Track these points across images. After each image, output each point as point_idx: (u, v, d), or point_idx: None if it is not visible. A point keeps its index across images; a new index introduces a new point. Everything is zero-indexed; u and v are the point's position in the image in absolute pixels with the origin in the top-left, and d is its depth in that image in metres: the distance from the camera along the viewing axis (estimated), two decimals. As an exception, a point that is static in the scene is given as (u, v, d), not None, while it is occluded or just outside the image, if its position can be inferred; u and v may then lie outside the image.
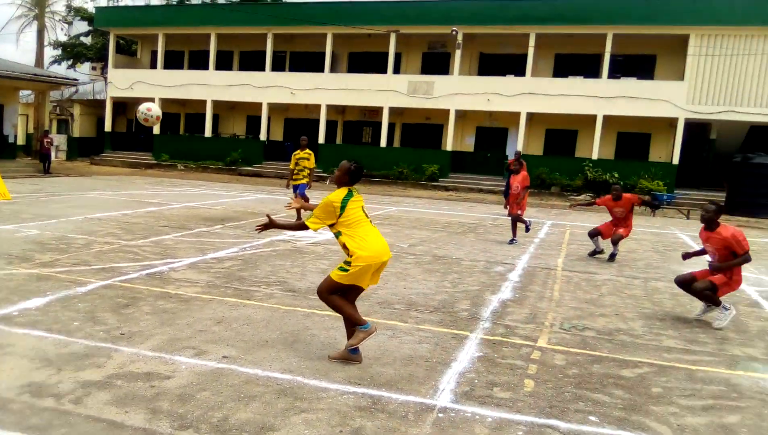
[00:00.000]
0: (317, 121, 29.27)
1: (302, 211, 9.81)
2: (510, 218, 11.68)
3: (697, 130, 25.93)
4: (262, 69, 29.98)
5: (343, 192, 4.82)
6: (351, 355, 4.81)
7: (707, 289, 6.38)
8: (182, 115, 33.91)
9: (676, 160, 24.52)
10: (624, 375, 4.86)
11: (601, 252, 10.30)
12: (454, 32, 25.57)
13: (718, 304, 6.39)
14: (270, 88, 29.38)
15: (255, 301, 6.41)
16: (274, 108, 30.81)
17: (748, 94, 23.31)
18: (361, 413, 3.90)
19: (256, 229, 5.09)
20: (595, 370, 4.92)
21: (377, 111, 28.80)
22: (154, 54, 33.54)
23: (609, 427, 3.92)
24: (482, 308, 6.65)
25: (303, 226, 4.86)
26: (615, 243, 10.09)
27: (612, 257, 10.13)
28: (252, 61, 31.88)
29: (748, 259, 6.42)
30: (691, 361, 5.30)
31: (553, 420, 3.97)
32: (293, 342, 5.19)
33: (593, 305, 7.06)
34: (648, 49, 26.19)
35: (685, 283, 6.71)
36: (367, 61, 30.07)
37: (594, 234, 10.37)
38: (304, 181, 12.92)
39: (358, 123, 30.99)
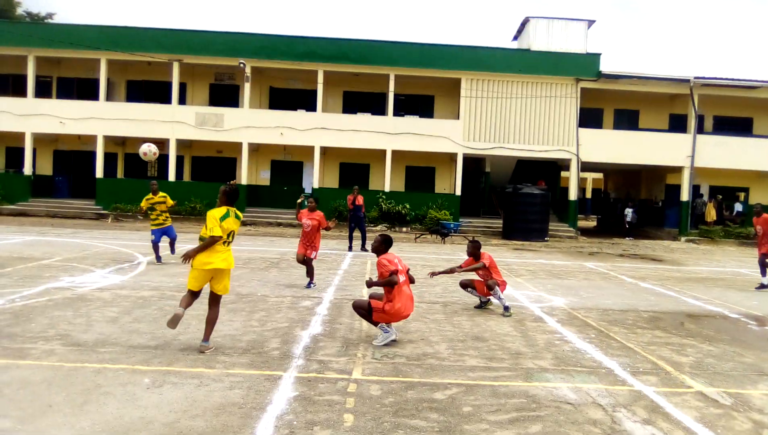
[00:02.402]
0: (93, 154, 26.75)
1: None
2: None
3: (473, 163, 28.79)
4: (24, 94, 26.66)
5: (222, 210, 6.11)
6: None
7: (360, 307, 6.87)
8: None
9: (458, 191, 26.84)
10: (436, 398, 5.02)
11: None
12: (241, 65, 25.31)
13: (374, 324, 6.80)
14: (34, 117, 26.13)
15: (32, 361, 5.51)
16: (40, 138, 27.51)
17: (513, 132, 26.52)
18: (173, 478, 3.48)
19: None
20: (409, 396, 5.02)
21: (163, 143, 27.15)
22: None
23: (429, 452, 3.99)
24: (294, 345, 6.46)
25: (211, 240, 5.98)
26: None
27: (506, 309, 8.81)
28: (10, 86, 28.21)
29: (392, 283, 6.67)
30: (493, 377, 5.68)
31: (377, 453, 3.93)
32: (83, 403, 4.54)
33: (400, 332, 7.24)
34: (427, 90, 28.57)
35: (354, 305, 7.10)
36: (149, 90, 28.40)
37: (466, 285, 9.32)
38: (169, 222, 13.04)
39: (141, 156, 28.96)
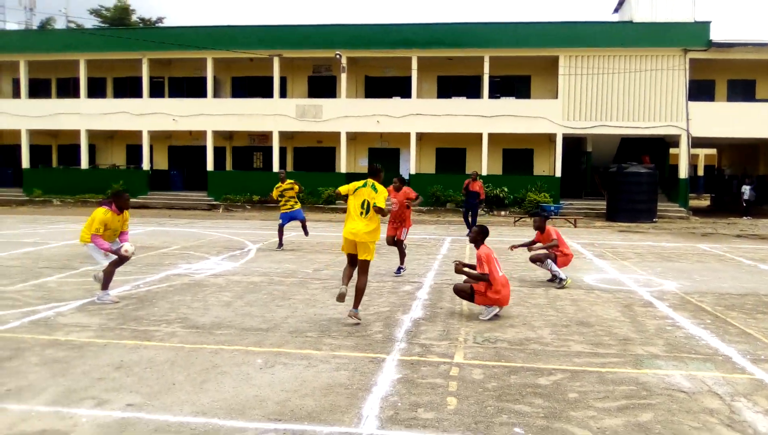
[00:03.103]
0: (204, 148, 28.36)
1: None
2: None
3: (574, 144, 27.81)
4: (139, 95, 28.64)
5: (359, 183, 6.92)
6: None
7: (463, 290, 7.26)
8: (54, 147, 31.68)
9: (558, 173, 26.07)
10: (540, 383, 4.97)
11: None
12: (338, 56, 25.83)
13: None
14: (150, 115, 28.08)
15: (156, 342, 5.99)
16: (155, 136, 29.50)
17: (616, 109, 25.34)
18: (287, 451, 3.70)
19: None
20: (513, 381, 5.00)
21: (267, 136, 28.38)
22: (16, 82, 31.06)
23: (534, 436, 3.97)
24: (396, 329, 6.61)
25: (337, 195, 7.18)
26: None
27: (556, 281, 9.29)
28: (127, 87, 30.40)
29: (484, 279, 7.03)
30: (600, 363, 5.54)
31: (481, 435, 3.96)
32: (203, 382, 4.88)
33: (502, 317, 7.21)
34: (523, 70, 27.84)
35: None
36: (252, 86, 29.66)
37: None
38: (297, 206, 13.63)
39: (247, 148, 30.36)
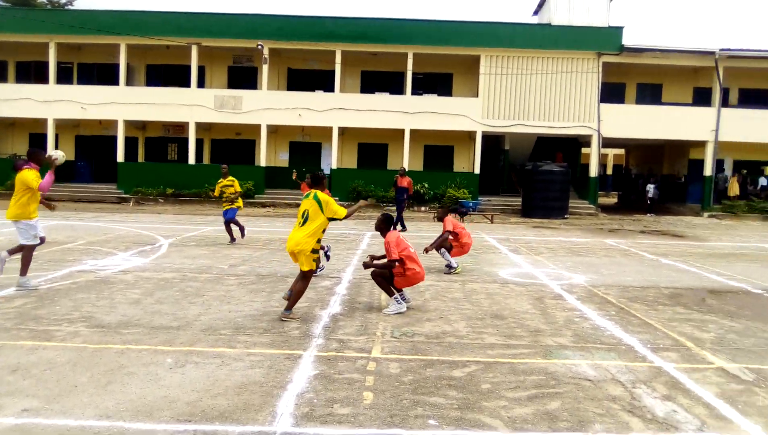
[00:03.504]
0: (114, 138, 27.05)
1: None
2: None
3: (492, 142, 28.56)
4: (45, 81, 26.96)
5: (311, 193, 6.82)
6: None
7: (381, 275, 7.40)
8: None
9: (477, 170, 26.69)
10: (455, 375, 5.04)
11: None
12: (259, 47, 25.31)
13: (390, 293, 7.33)
14: (56, 103, 26.48)
15: (57, 342, 5.63)
16: (62, 124, 27.86)
17: (533, 109, 26.22)
18: (196, 454, 3.56)
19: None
20: (428, 374, 5.05)
21: (183, 126, 27.44)
22: None
23: (448, 428, 4.02)
24: (313, 325, 6.53)
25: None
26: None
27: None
28: (32, 72, 28.54)
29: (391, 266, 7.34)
30: (512, 354, 5.68)
31: (396, 429, 3.98)
32: (107, 383, 4.63)
33: (419, 311, 7.29)
34: (446, 68, 28.31)
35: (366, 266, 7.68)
36: (169, 74, 28.57)
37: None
38: (236, 205, 13.40)
39: (162, 139, 29.21)
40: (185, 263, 10.35)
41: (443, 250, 10.02)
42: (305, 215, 6.72)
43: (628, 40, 26.23)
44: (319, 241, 6.79)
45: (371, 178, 26.48)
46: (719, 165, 27.80)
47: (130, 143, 27.90)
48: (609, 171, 47.54)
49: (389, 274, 7.32)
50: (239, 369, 5.05)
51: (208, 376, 4.84)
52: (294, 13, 26.90)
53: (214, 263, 10.41)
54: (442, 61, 27.58)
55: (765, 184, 27.42)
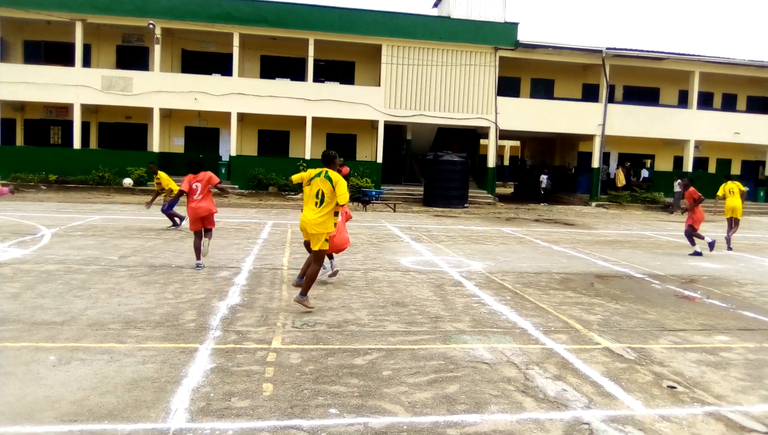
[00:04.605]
0: (-11, 120, 24.81)
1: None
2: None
3: (395, 131, 28.83)
4: None
5: (314, 172, 6.63)
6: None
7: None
8: None
9: (380, 159, 26.86)
10: (357, 363, 5.03)
11: None
12: (150, 26, 24.00)
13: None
14: None
15: None
16: (-75, 103, 25.20)
17: (434, 100, 26.71)
18: (80, 458, 3.32)
19: None
20: (330, 363, 5.00)
21: (67, 108, 25.59)
22: None
23: (349, 416, 4.01)
24: (210, 317, 6.29)
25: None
26: None
27: None
28: None
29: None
30: (413, 341, 5.75)
31: (296, 420, 3.92)
32: (-21, 386, 4.22)
33: (321, 300, 7.21)
34: (348, 56, 28.18)
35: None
36: (50, 52, 26.46)
37: None
38: (171, 197, 13.22)
39: (43, 121, 27.06)
40: (70, 254, 9.67)
41: None
42: (320, 195, 6.50)
43: (523, 36, 27.32)
44: (336, 215, 6.65)
45: (272, 165, 25.98)
46: (606, 157, 29.66)
47: (8, 125, 25.66)
48: (506, 162, 49.49)
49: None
50: (130, 365, 4.77)
51: (96, 373, 4.55)
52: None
53: (102, 254, 9.80)
54: (344, 49, 27.44)
55: (647, 175, 29.54)
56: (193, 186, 9.19)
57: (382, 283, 8.48)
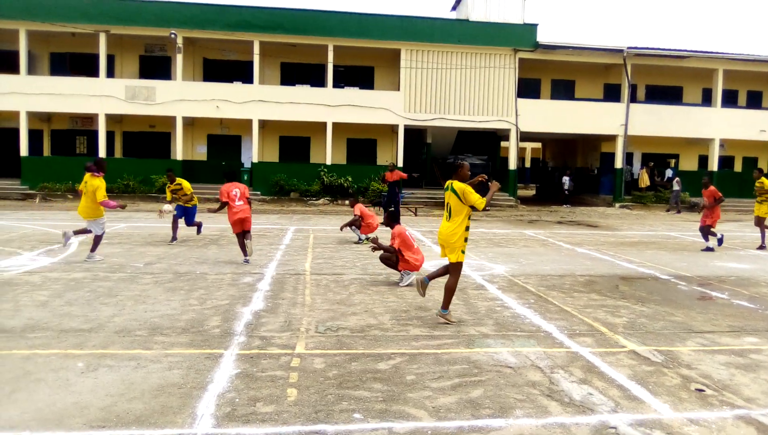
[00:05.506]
0: (16, 131, 25.31)
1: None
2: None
3: (415, 135, 28.82)
4: (-67, 69, 24.84)
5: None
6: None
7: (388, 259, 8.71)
8: None
9: (400, 163, 26.81)
10: (380, 368, 5.03)
11: None
12: (172, 35, 24.35)
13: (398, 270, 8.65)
14: (-50, 92, 24.49)
15: (-49, 350, 5.19)
16: (-43, 115, 25.83)
17: (454, 103, 26.65)
18: (109, 463, 3.37)
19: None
20: (353, 368, 5.01)
21: (92, 118, 26.05)
22: None
23: (373, 421, 4.01)
24: (235, 322, 6.34)
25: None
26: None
27: None
28: None
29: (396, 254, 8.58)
30: (436, 345, 5.74)
31: (320, 425, 3.93)
32: (11, 392, 4.33)
33: (344, 305, 7.24)
34: (367, 61, 28.26)
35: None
36: (75, 63, 26.95)
37: None
38: (191, 204, 12.78)
39: (69, 132, 27.58)
40: (97, 262, 9.83)
41: (354, 227, 13.04)
42: (449, 209, 6.55)
43: (542, 38, 27.18)
44: (467, 228, 6.54)
45: (294, 171, 26.14)
46: (629, 158, 29.31)
47: (35, 136, 26.20)
48: (528, 164, 49.14)
49: (395, 259, 8.60)
50: (156, 371, 4.83)
51: (123, 380, 4.62)
52: (208, 1, 25.90)
53: (128, 261, 9.95)
54: (363, 54, 27.54)
55: (671, 175, 29.13)
56: (233, 193, 9.95)
57: (404, 288, 8.48)
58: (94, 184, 9.75)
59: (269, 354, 5.33)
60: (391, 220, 9.16)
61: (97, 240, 9.94)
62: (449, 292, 6.58)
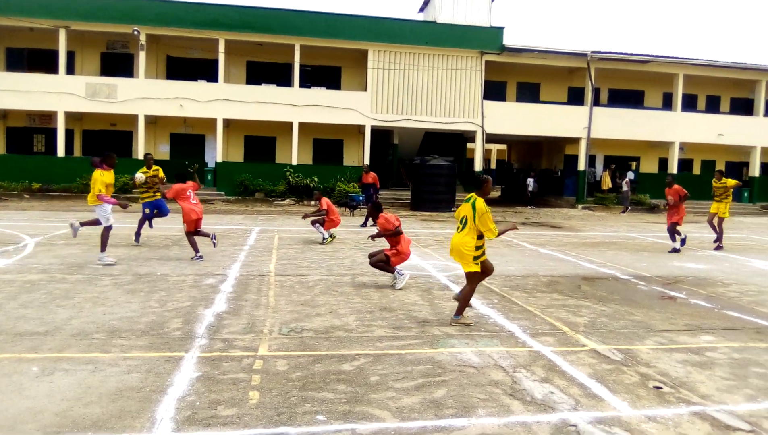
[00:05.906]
0: (-30, 128, 24.52)
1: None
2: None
3: (382, 136, 28.84)
4: None
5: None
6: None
7: (380, 260, 8.53)
8: None
9: (366, 164, 26.78)
10: (344, 369, 5.01)
11: None
12: (135, 32, 23.89)
13: (392, 271, 8.50)
14: None
15: None
16: None
17: (420, 105, 26.77)
18: (62, 470, 3.27)
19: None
20: (317, 370, 4.98)
21: (50, 116, 25.35)
22: None
23: (336, 422, 3.99)
24: (196, 325, 6.24)
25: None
26: None
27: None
28: None
29: (398, 233, 8.59)
30: (400, 346, 5.74)
31: (283, 427, 3.90)
32: (-40, 399, 4.16)
33: (308, 306, 7.19)
34: (334, 62, 28.18)
35: (370, 257, 8.76)
36: (33, 59, 26.23)
37: None
38: (158, 196, 12.39)
39: (26, 129, 26.77)
40: (54, 263, 9.57)
41: (317, 224, 13.02)
42: (464, 221, 6.45)
43: (508, 41, 27.48)
44: (480, 238, 6.44)
45: (259, 171, 25.90)
46: (592, 160, 29.85)
47: (-10, 134, 25.41)
48: (493, 165, 49.60)
49: (386, 259, 8.45)
50: (114, 374, 4.72)
51: (80, 384, 4.51)
52: (173, -2, 25.43)
53: (86, 263, 9.70)
54: (330, 54, 27.45)
55: (632, 177, 29.78)
56: (188, 193, 10.52)
57: (370, 288, 8.47)
58: (93, 177, 9.91)
59: (231, 356, 5.26)
60: (375, 210, 9.37)
61: (105, 238, 9.79)
62: (465, 298, 6.63)
